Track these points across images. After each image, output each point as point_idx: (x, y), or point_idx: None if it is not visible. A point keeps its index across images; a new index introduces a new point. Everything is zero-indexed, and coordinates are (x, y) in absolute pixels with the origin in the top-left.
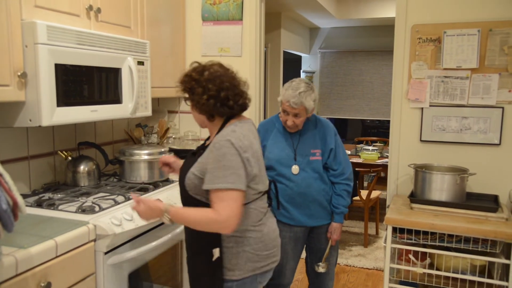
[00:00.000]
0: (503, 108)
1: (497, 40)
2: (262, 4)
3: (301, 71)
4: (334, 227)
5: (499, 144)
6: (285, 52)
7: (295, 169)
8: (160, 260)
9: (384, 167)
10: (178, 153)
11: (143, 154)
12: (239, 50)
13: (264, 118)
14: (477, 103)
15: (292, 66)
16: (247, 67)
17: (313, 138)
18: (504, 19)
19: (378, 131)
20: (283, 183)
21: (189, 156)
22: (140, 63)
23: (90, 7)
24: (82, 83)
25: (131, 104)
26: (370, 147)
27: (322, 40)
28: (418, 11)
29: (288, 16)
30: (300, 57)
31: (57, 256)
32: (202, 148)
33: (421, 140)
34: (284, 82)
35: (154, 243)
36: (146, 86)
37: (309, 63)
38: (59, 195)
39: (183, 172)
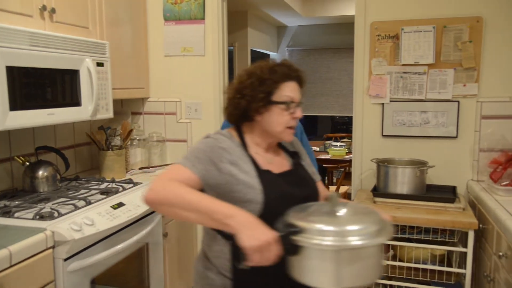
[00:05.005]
0: (458, 102)
1: (451, 36)
2: (224, 3)
3: None
4: None
5: (456, 137)
6: (252, 51)
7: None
8: (125, 264)
9: (351, 162)
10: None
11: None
12: (202, 50)
13: None
14: (434, 97)
15: None
16: (210, 67)
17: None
18: (457, 16)
19: (347, 127)
20: None
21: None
22: (100, 64)
23: (44, 7)
24: (37, 85)
25: (91, 106)
26: (338, 143)
27: (290, 38)
28: (377, 9)
29: (255, 14)
30: (268, 55)
31: (11, 266)
32: (294, 153)
33: (383, 135)
34: None
35: (117, 247)
36: (107, 88)
37: None
38: (16, 202)
39: (312, 180)
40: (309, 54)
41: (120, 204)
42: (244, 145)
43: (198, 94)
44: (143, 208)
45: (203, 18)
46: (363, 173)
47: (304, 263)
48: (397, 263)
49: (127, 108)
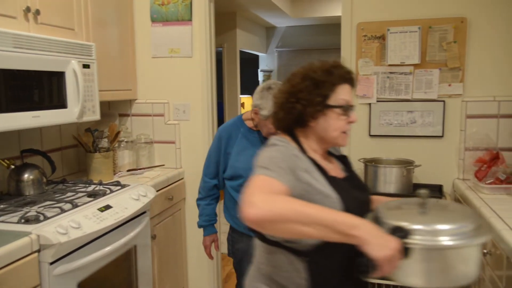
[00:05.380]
0: (444, 101)
1: (436, 36)
2: (212, 4)
3: (259, 70)
4: None
5: (442, 136)
6: (241, 52)
7: None
8: (113, 268)
9: None
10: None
11: None
12: (190, 51)
13: (221, 119)
14: (420, 97)
15: (249, 65)
16: (198, 68)
17: None
18: (442, 17)
19: None
20: None
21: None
22: (86, 66)
23: (28, 9)
24: (22, 88)
25: (77, 108)
26: None
27: (279, 39)
28: (363, 9)
29: (244, 15)
30: (257, 56)
31: None
32: (342, 157)
33: (370, 135)
34: (241, 82)
35: (104, 250)
36: (93, 90)
37: (266, 62)
38: (0, 206)
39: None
40: (298, 55)
41: (107, 207)
42: (303, 151)
43: (186, 96)
44: (131, 210)
45: (190, 19)
46: None
47: (412, 265)
48: None
49: (114, 110)
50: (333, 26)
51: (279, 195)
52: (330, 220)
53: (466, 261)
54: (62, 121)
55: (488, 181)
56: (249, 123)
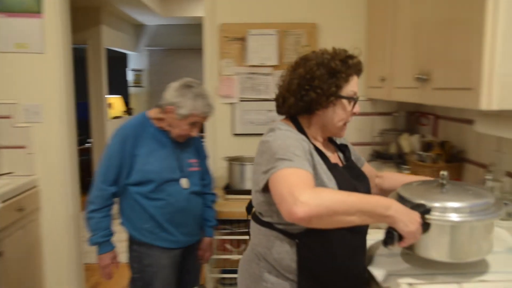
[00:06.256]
0: None
1: (291, 40)
2: None
3: (129, 69)
4: (208, 242)
5: None
6: (109, 50)
7: (185, 183)
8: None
9: None
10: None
11: None
12: (41, 47)
13: (86, 121)
14: None
15: (118, 64)
16: (52, 66)
17: (188, 146)
18: (296, 22)
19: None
20: (162, 199)
21: (345, 168)
22: None
23: None
24: None
25: None
26: None
27: (149, 37)
28: (225, 11)
29: (109, 11)
30: (126, 55)
31: None
32: (344, 146)
33: (234, 134)
34: (109, 81)
35: None
36: None
37: (136, 61)
38: None
39: (365, 174)
40: (169, 54)
41: None
42: (307, 137)
43: (39, 96)
44: None
45: (39, 12)
46: (216, 171)
47: (431, 240)
48: None
49: None
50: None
51: (321, 189)
52: (370, 206)
53: (479, 237)
54: None
55: None
56: (157, 123)
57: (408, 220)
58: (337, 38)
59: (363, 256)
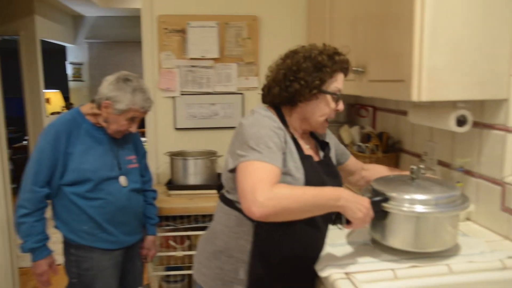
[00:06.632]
0: (243, 94)
1: (232, 32)
2: None
3: (67, 62)
4: (152, 240)
5: None
6: (44, 42)
7: (123, 180)
8: None
9: None
10: None
11: None
12: None
13: (21, 117)
14: (221, 90)
15: (55, 57)
16: None
17: (126, 142)
18: (237, 14)
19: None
20: (101, 198)
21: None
22: None
23: None
24: None
25: None
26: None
27: (88, 29)
28: (163, 2)
29: (44, 1)
30: (64, 47)
31: None
32: (325, 143)
33: (176, 128)
34: (46, 75)
35: None
36: None
37: (75, 54)
38: None
39: (339, 174)
40: (111, 47)
41: None
42: (286, 126)
43: None
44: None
45: None
46: (159, 167)
47: (388, 227)
48: (194, 252)
49: None
50: None
51: (279, 187)
52: (323, 201)
53: (439, 229)
54: None
55: None
56: (92, 119)
57: (355, 208)
58: (278, 31)
59: (319, 249)
